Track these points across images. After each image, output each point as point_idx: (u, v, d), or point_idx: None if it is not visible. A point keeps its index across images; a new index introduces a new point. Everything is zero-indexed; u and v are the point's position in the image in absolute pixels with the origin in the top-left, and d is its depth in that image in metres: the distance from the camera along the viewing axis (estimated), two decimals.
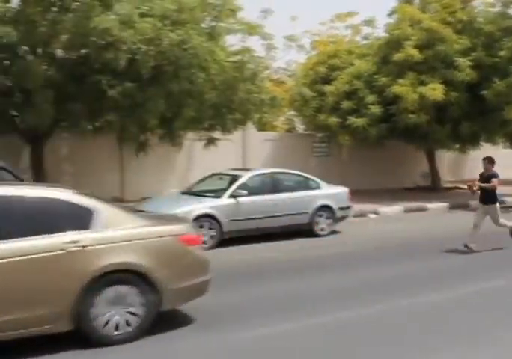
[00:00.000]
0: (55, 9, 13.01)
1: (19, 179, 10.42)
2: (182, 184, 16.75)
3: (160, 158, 18.11)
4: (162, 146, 16.77)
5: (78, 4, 12.62)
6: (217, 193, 13.03)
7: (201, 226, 12.08)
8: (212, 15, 14.94)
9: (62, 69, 13.33)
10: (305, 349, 6.40)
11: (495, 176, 11.56)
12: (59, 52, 13.85)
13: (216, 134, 16.96)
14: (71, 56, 13.72)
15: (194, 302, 7.18)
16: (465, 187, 12.56)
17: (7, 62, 12.86)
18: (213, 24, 15.00)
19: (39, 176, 14.38)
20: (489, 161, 11.76)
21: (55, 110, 13.14)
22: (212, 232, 12.24)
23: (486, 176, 11.64)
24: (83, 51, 13.32)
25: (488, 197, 11.61)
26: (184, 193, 13.82)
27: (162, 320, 6.86)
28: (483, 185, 11.51)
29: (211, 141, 17.03)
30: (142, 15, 12.83)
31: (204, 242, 11.90)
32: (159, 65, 13.12)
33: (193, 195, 13.35)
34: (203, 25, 14.59)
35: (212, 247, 12.05)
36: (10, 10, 12.97)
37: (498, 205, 11.74)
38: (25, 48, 13.28)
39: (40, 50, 13.51)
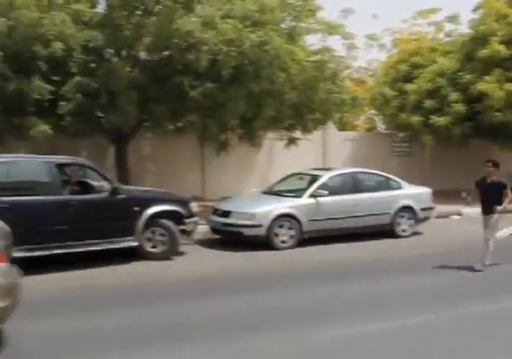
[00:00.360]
0: (138, 12, 13.37)
1: (104, 178, 10.74)
2: (262, 183, 16.83)
3: (240, 157, 18.24)
4: (243, 146, 16.90)
5: (161, 7, 12.90)
6: (297, 193, 13.01)
7: (281, 226, 12.12)
8: (292, 15, 14.95)
9: (145, 70, 13.64)
10: (381, 350, 6.32)
11: (505, 185, 10.05)
12: (142, 54, 14.18)
13: (297, 133, 16.96)
14: (154, 58, 14.02)
15: (255, 301, 7.17)
16: None
17: (93, 65, 13.26)
18: (293, 24, 15.01)
19: (123, 175, 14.75)
20: (493, 164, 10.25)
21: (139, 111, 13.47)
22: (292, 232, 12.24)
23: (492, 185, 10.11)
24: (166, 53, 13.59)
25: (492, 206, 10.10)
26: (264, 192, 13.87)
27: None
28: (505, 204, 9.96)
29: (292, 141, 17.05)
30: (223, 16, 12.97)
31: (284, 242, 12.06)
32: (239, 65, 13.21)
33: (273, 195, 13.38)
34: (283, 25, 14.60)
35: (291, 247, 12.09)
36: (97, 14, 13.41)
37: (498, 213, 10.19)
38: (111, 51, 13.67)
39: (124, 53, 13.88)
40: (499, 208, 10.00)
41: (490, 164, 10.24)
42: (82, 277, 9.55)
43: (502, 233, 10.48)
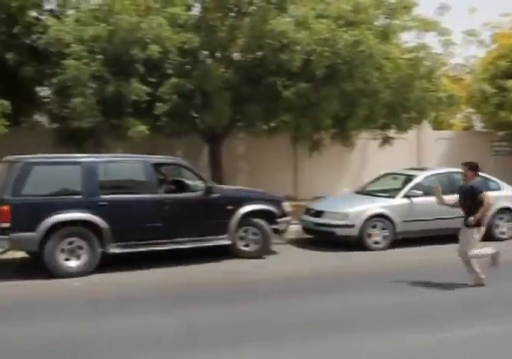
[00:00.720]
0: (232, 14, 13.58)
1: (199, 177, 10.93)
2: (355, 183, 16.67)
3: (333, 157, 18.14)
4: (335, 146, 16.81)
5: (254, 8, 13.03)
6: (391, 193, 12.80)
7: (374, 226, 11.98)
8: (386, 13, 14.74)
9: (239, 71, 13.82)
10: (483, 354, 6.12)
11: (480, 190, 8.63)
12: (236, 55, 14.38)
13: (391, 133, 16.70)
14: (247, 59, 14.19)
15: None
16: None
17: (188, 66, 13.55)
18: (387, 22, 14.80)
19: (217, 174, 14.98)
20: (470, 167, 8.82)
21: (232, 111, 13.66)
22: (385, 233, 12.06)
23: (468, 190, 8.72)
24: (259, 53, 13.73)
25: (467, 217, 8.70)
26: (357, 192, 13.73)
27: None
28: (478, 215, 8.47)
29: (386, 140, 16.81)
30: (317, 16, 12.96)
31: (377, 242, 11.90)
32: (333, 65, 13.16)
33: (366, 195, 13.23)
34: (376, 23, 14.43)
35: (384, 248, 11.93)
36: (192, 17, 13.71)
37: (483, 229, 8.81)
38: (205, 52, 13.96)
39: (218, 54, 14.12)
40: (470, 219, 8.56)
41: (466, 168, 8.87)
42: (175, 274, 9.74)
43: (478, 252, 8.87)
